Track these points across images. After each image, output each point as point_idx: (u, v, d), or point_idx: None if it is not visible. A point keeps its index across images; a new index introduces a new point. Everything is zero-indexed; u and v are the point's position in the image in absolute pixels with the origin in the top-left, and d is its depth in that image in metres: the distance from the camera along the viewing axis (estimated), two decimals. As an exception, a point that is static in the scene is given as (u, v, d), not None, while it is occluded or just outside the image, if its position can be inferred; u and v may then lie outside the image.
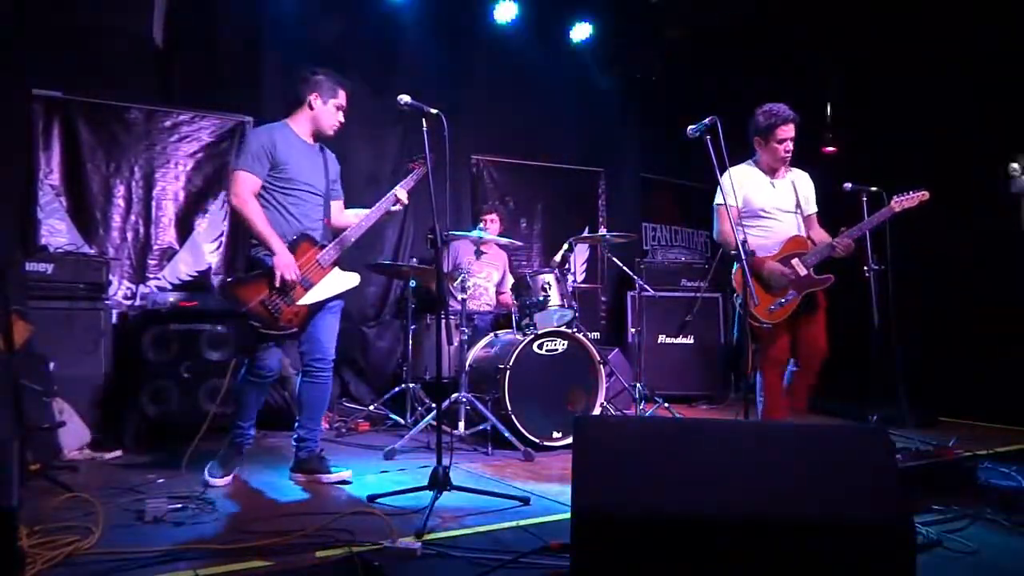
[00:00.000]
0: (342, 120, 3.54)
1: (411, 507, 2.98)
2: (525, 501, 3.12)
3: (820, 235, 3.90)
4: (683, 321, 6.07)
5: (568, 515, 2.00)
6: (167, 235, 5.14)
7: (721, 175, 3.34)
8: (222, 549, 2.47)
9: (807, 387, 3.88)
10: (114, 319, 4.55)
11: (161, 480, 3.45)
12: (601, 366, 4.55)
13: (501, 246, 5.52)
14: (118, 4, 5.04)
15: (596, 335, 6.35)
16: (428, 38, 6.07)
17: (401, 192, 3.57)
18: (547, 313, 4.61)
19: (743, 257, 3.25)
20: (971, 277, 5.45)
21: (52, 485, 3.14)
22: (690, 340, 6.33)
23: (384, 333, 5.98)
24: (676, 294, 6.40)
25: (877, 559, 1.87)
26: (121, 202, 4.99)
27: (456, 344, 4.44)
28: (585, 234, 6.51)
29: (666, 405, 5.28)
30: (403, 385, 4.96)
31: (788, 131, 3.80)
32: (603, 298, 6.93)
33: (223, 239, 5.30)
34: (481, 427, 4.24)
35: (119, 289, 4.91)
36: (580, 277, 6.80)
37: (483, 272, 5.48)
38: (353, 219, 3.58)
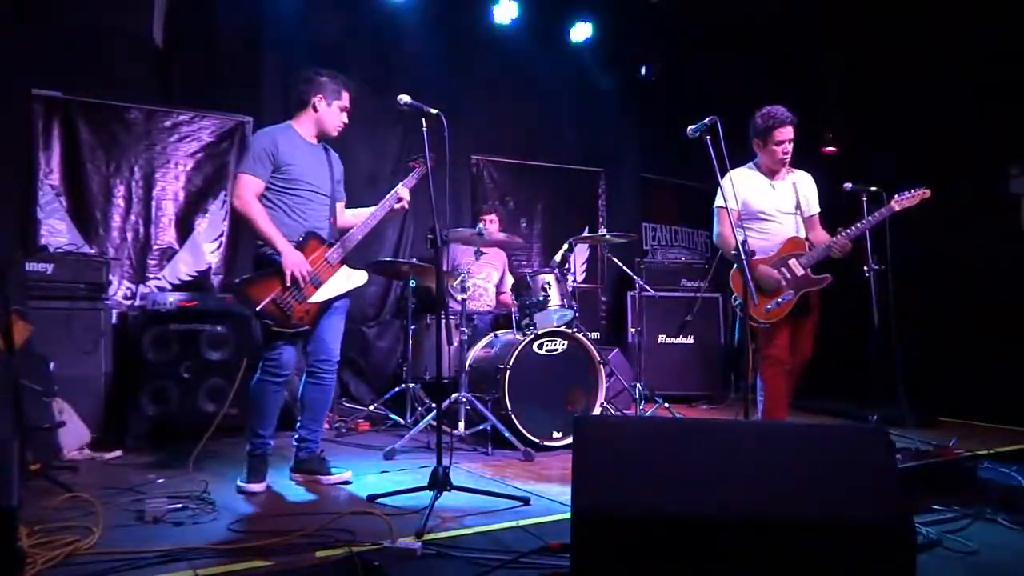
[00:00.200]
0: (346, 121, 3.55)
1: (411, 507, 2.98)
2: (525, 501, 3.13)
3: (819, 236, 3.90)
4: (683, 321, 6.06)
5: (568, 515, 2.00)
6: (167, 235, 5.14)
7: (721, 175, 3.34)
8: (222, 549, 2.48)
9: (790, 387, 3.89)
10: (114, 319, 4.55)
11: (161, 480, 3.45)
12: (601, 366, 4.55)
13: (500, 245, 5.52)
14: (118, 4, 5.03)
15: (596, 335, 6.34)
16: (428, 38, 6.06)
17: (403, 191, 3.58)
18: (547, 313, 4.61)
19: (743, 258, 3.25)
20: (971, 277, 5.45)
21: (52, 485, 3.14)
22: (690, 340, 6.33)
23: (384, 333, 5.98)
24: (676, 294, 6.40)
25: (877, 559, 1.87)
26: (121, 202, 4.99)
27: (456, 344, 4.44)
28: (585, 234, 6.51)
29: (666, 405, 5.28)
30: (403, 385, 4.96)
31: (786, 133, 3.81)
32: (603, 298, 6.93)
33: (223, 239, 5.30)
34: (481, 427, 4.24)
35: (119, 289, 4.91)
36: (580, 277, 6.80)
37: (483, 272, 5.48)
38: (354, 219, 3.58)
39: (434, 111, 3.18)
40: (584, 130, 7.09)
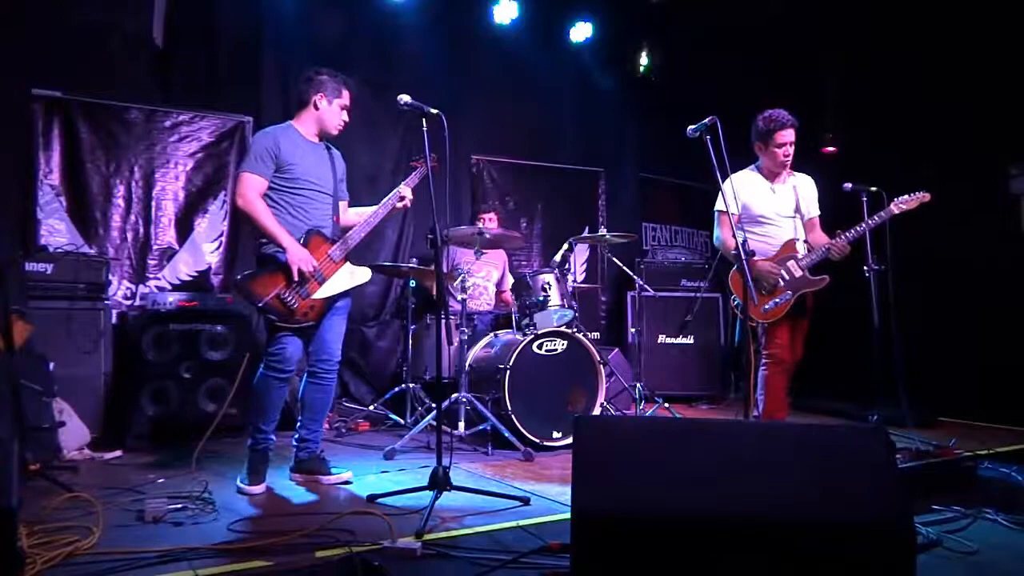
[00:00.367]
0: (347, 119, 3.55)
1: (411, 507, 2.98)
2: (525, 501, 3.13)
3: (818, 238, 3.91)
4: (683, 321, 6.07)
5: (568, 515, 2.00)
6: (167, 235, 5.14)
7: (721, 176, 3.33)
8: (222, 549, 2.48)
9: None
10: (114, 319, 4.55)
11: (161, 480, 3.45)
12: (601, 366, 4.55)
13: (499, 242, 5.50)
14: (118, 4, 5.03)
15: (596, 335, 6.34)
16: (428, 38, 6.07)
17: (405, 190, 3.60)
18: (547, 313, 4.61)
19: (743, 258, 3.25)
20: (971, 277, 5.44)
21: (52, 485, 3.13)
22: (690, 340, 6.33)
23: (384, 333, 5.98)
24: (676, 294, 6.40)
25: (877, 559, 1.87)
26: (121, 202, 4.99)
27: (456, 344, 4.44)
28: (585, 234, 6.50)
29: (666, 405, 5.28)
30: (403, 385, 4.96)
31: (787, 136, 3.82)
32: (603, 298, 6.93)
33: (223, 239, 5.30)
34: (481, 427, 4.24)
35: (119, 289, 4.91)
36: (580, 277, 6.80)
37: (482, 272, 5.48)
38: (357, 218, 3.59)
39: (434, 111, 3.19)
40: (584, 130, 7.09)
